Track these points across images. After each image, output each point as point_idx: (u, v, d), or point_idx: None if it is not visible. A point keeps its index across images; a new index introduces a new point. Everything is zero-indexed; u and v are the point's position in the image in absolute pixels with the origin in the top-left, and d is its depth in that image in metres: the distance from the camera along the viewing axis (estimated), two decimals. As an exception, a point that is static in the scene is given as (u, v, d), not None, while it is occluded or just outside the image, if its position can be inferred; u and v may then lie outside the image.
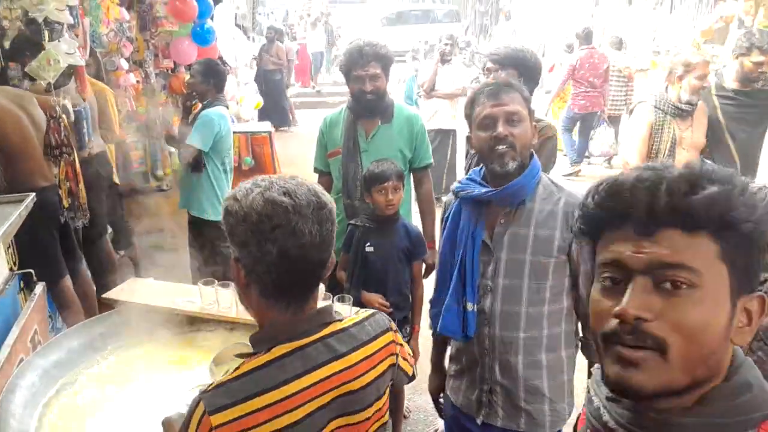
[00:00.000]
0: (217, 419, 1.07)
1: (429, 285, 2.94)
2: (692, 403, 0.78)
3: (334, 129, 3.08)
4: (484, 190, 1.83)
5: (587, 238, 0.86)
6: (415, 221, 3.08)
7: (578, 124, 8.40)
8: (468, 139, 1.92)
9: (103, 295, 2.39)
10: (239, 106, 6.99)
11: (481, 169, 1.92)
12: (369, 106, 2.93)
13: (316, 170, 3.21)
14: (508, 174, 1.77)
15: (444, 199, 2.08)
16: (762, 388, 0.78)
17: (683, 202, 0.74)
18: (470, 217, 1.88)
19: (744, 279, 0.77)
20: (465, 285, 1.88)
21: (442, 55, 6.62)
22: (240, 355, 1.21)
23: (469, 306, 1.87)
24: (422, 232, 2.89)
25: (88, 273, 3.89)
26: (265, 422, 1.10)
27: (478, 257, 1.85)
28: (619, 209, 0.79)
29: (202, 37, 6.00)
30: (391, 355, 1.32)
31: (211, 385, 1.14)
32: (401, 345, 1.37)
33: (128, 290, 2.31)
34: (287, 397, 1.12)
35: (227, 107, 4.21)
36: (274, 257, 1.13)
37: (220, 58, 6.07)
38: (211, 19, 6.23)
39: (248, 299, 1.22)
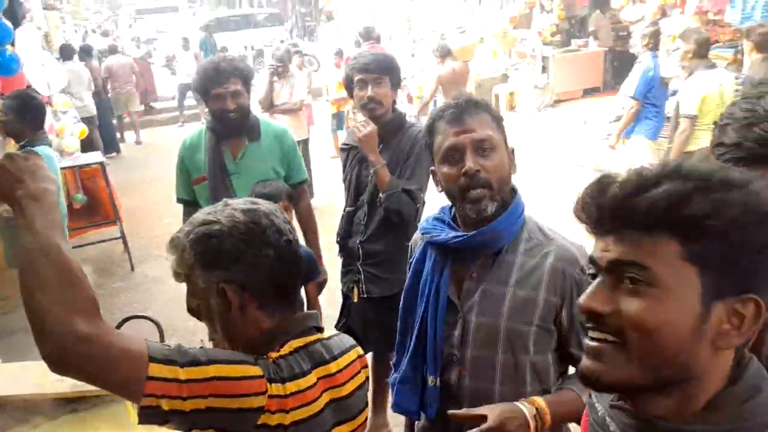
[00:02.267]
0: (271, 389, 1.08)
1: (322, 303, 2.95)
2: (699, 409, 0.77)
3: (196, 153, 2.83)
4: (452, 234, 1.47)
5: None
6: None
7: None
8: (433, 173, 1.55)
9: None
10: (60, 138, 6.29)
11: (452, 206, 1.56)
12: (233, 126, 2.73)
13: (180, 201, 2.94)
14: (486, 219, 1.44)
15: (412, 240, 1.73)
16: None
17: (627, 203, 0.76)
18: (435, 266, 1.52)
19: (725, 281, 0.74)
20: (425, 352, 1.53)
21: (275, 72, 6.32)
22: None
23: (430, 379, 1.52)
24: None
25: None
26: (295, 408, 1.11)
27: (443, 318, 1.49)
28: (588, 211, 0.81)
29: (4, 66, 5.29)
30: (364, 367, 1.33)
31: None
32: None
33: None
34: (308, 388, 1.15)
35: (50, 145, 3.75)
36: (273, 259, 1.16)
37: (30, 87, 5.40)
38: (12, 45, 5.52)
39: (242, 322, 1.18)
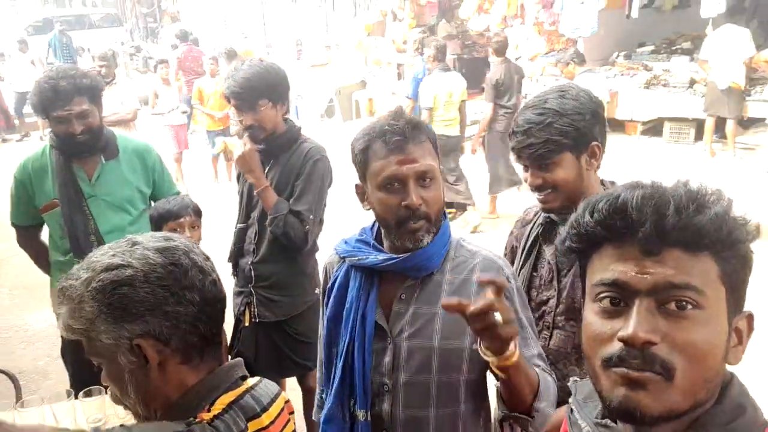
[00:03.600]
0: None
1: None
2: (685, 428, 0.75)
3: (43, 177, 2.50)
4: (382, 257, 1.42)
5: (575, 255, 0.82)
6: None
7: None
8: (358, 189, 1.48)
9: None
10: None
11: (373, 226, 1.51)
12: (83, 148, 2.44)
13: (15, 225, 2.62)
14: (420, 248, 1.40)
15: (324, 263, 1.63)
16: (755, 408, 0.78)
17: (692, 222, 0.72)
18: (360, 290, 1.44)
19: (737, 298, 0.76)
20: (353, 384, 1.43)
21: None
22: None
23: (360, 413, 1.42)
24: None
25: None
26: None
27: (371, 345, 1.41)
28: (623, 227, 0.75)
29: None
30: (291, 413, 1.24)
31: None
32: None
33: None
34: None
35: None
36: (199, 304, 1.03)
37: None
38: None
39: (162, 382, 1.03)
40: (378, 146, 1.38)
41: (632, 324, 0.72)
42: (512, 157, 1.74)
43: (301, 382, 2.87)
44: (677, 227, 0.72)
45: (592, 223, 0.77)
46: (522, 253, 1.77)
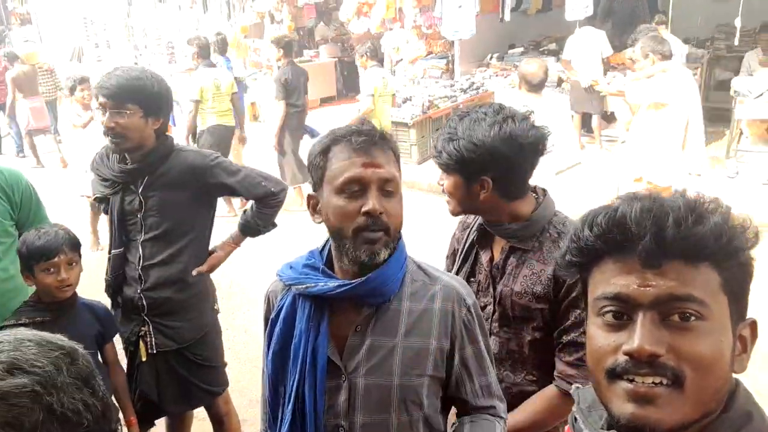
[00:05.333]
0: None
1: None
2: None
3: None
4: (333, 283, 1.28)
5: (576, 269, 0.81)
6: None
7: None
8: (309, 198, 1.36)
9: None
10: None
11: (323, 249, 1.39)
12: None
13: None
14: (374, 266, 1.27)
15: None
16: (762, 416, 0.78)
17: (692, 233, 0.72)
18: (309, 322, 1.30)
19: (740, 306, 0.77)
20: (304, 428, 1.30)
21: None
22: None
23: None
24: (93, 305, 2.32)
25: None
26: None
27: (323, 383, 1.29)
28: (623, 241, 0.74)
29: None
30: None
31: None
32: None
33: None
34: None
35: None
36: None
37: None
38: None
39: None
40: (341, 147, 1.28)
41: (637, 337, 0.72)
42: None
43: (209, 410, 2.73)
44: (677, 239, 0.72)
45: (592, 238, 0.77)
46: (460, 257, 1.79)
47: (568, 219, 1.66)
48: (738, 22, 6.58)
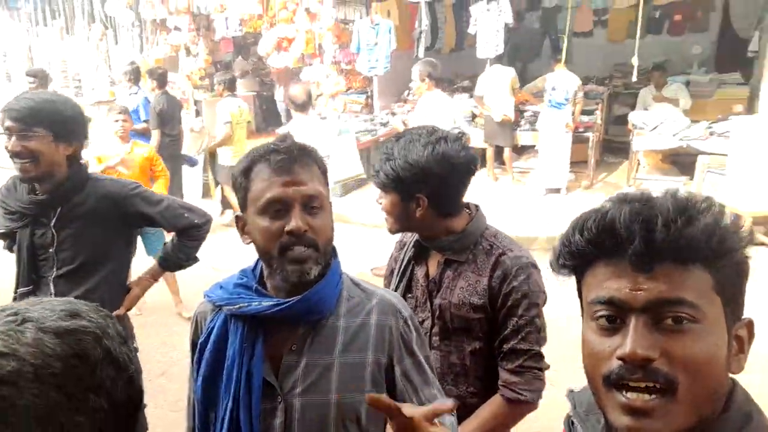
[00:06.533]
0: None
1: None
2: None
3: None
4: (267, 303, 1.24)
5: (569, 272, 0.80)
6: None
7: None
8: (237, 220, 1.33)
9: None
10: None
11: (255, 267, 1.35)
12: None
13: None
14: (307, 283, 1.25)
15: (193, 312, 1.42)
16: (760, 414, 0.77)
17: (681, 236, 0.71)
18: (243, 343, 1.26)
19: (735, 307, 0.76)
20: None
21: None
22: None
23: None
24: None
25: None
26: None
27: (258, 405, 1.24)
28: (613, 245, 0.74)
29: None
30: None
31: None
32: None
33: None
34: None
35: None
36: (105, 411, 0.76)
37: None
38: None
39: None
40: (261, 167, 1.25)
41: (629, 342, 0.71)
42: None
43: None
44: (666, 242, 0.71)
45: (583, 242, 0.77)
46: (398, 275, 1.84)
47: (499, 232, 1.75)
48: (635, 61, 7.15)
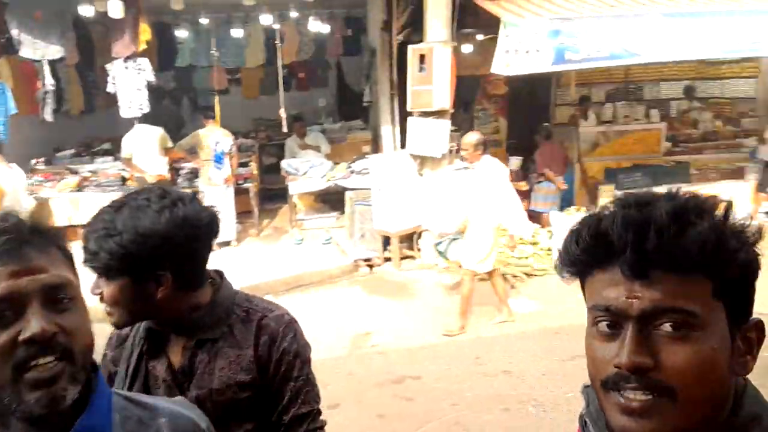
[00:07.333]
0: None
1: None
2: None
3: None
4: None
5: (572, 275, 0.79)
6: None
7: None
8: None
9: None
10: None
11: None
12: None
13: None
14: (63, 415, 0.87)
15: None
16: None
17: (675, 244, 0.70)
18: None
19: (740, 309, 0.75)
20: None
21: None
22: None
23: None
24: None
25: None
26: None
27: None
28: (606, 254, 0.73)
29: None
30: None
31: None
32: None
33: None
34: None
35: None
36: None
37: None
38: None
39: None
40: None
41: (624, 351, 0.71)
42: None
43: None
44: (659, 250, 0.71)
45: (579, 251, 0.76)
46: (126, 378, 1.49)
47: (249, 295, 1.57)
48: (283, 113, 7.71)
